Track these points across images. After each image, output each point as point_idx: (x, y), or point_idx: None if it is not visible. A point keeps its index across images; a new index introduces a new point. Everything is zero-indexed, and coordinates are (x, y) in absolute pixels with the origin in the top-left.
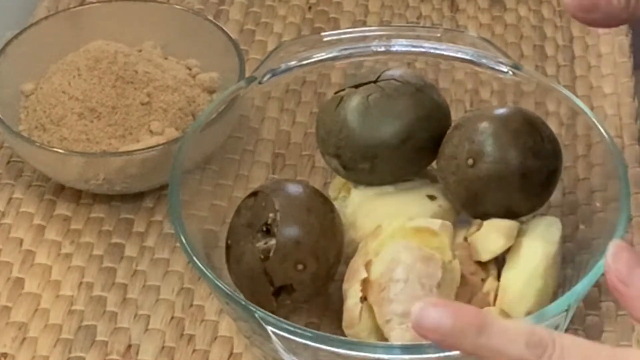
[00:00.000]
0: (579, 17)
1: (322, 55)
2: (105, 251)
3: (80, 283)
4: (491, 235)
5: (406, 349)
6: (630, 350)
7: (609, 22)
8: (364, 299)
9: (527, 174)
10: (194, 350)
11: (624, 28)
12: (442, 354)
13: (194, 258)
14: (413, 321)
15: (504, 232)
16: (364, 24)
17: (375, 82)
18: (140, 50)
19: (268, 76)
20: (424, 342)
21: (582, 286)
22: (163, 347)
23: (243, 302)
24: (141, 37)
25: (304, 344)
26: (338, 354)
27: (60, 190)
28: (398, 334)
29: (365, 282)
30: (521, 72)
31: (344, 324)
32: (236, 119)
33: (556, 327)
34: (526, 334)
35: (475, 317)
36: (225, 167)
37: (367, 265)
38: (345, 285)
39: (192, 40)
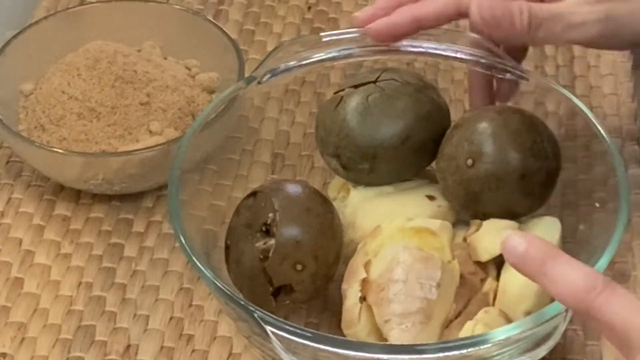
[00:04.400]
0: (484, 32)
1: (322, 56)
2: (105, 251)
3: (80, 283)
4: (490, 236)
5: (405, 349)
6: None
7: (509, 42)
8: (363, 299)
9: (527, 175)
10: (193, 351)
11: None
12: (441, 355)
13: (193, 258)
14: (501, 244)
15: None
16: None
17: (374, 82)
18: (139, 51)
19: (267, 76)
20: (423, 342)
21: None
22: (162, 347)
23: (242, 302)
24: (141, 37)
25: (303, 344)
26: (337, 354)
27: (60, 190)
28: (397, 334)
29: (364, 283)
30: (520, 72)
31: (343, 324)
32: (235, 119)
33: (555, 328)
34: (585, 271)
35: (544, 247)
36: (224, 167)
37: (367, 266)
38: (344, 286)
39: (192, 40)
